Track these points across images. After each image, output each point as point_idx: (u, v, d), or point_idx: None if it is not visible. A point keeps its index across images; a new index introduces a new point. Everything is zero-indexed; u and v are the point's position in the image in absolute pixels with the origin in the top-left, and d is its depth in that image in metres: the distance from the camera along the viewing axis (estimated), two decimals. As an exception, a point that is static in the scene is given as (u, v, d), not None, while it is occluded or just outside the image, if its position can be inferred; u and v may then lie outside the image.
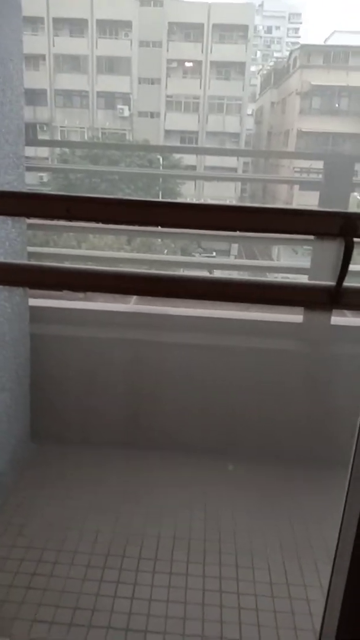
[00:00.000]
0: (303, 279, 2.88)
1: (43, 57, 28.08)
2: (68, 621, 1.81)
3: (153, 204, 1.12)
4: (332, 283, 1.10)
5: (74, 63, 28.78)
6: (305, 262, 2.78)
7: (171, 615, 1.86)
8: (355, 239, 1.07)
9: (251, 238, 3.44)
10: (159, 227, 2.99)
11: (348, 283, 1.10)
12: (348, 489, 1.22)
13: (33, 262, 2.52)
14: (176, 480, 2.53)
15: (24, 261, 2.36)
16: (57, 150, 20.77)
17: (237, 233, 2.92)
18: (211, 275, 1.18)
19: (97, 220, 1.17)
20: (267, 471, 2.58)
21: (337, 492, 1.23)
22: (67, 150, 19.92)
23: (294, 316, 2.73)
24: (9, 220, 2.12)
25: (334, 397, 2.49)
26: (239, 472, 2.59)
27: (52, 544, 2.13)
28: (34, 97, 27.45)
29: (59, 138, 28.82)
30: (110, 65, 28.81)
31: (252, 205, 1.02)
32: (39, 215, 1.10)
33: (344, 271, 1.07)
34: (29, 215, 1.30)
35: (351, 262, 1.09)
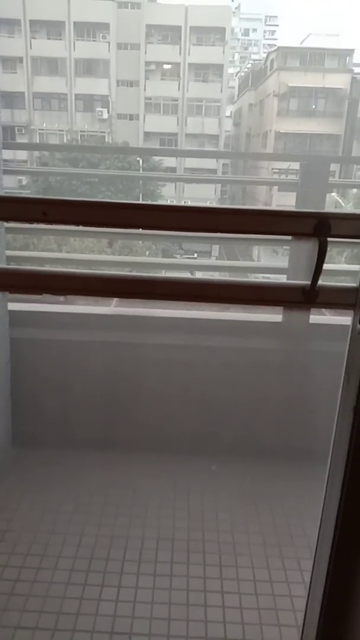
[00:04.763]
0: (282, 279, 2.91)
1: (20, 59, 27.84)
2: (52, 626, 1.80)
3: (131, 206, 1.12)
4: (307, 282, 1.12)
5: (52, 65, 28.58)
6: (285, 262, 2.81)
7: (156, 616, 1.87)
8: (329, 239, 1.09)
9: (232, 239, 3.46)
10: (140, 230, 2.99)
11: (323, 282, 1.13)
12: (327, 484, 1.24)
13: (12, 266, 2.50)
14: (158, 481, 2.54)
15: (3, 265, 2.34)
16: (36, 153, 20.60)
17: (218, 234, 2.95)
18: (190, 277, 1.20)
19: (75, 223, 1.17)
20: (249, 468, 2.60)
21: (317, 487, 1.26)
22: (46, 152, 19.79)
23: (273, 315, 2.76)
24: (-14, 224, 2.10)
25: (313, 393, 2.52)
26: (221, 471, 2.60)
27: (35, 549, 2.11)
28: (12, 100, 27.19)
29: (37, 141, 28.56)
30: (89, 67, 28.69)
31: (230, 207, 1.03)
32: (15, 219, 1.10)
33: (318, 270, 1.09)
34: (4, 219, 1.30)
35: (326, 261, 1.11)
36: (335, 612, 1.28)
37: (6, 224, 2.39)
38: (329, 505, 1.23)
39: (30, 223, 1.14)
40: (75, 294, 2.40)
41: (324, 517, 1.26)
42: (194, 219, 1.10)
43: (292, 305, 1.20)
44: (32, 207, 1.08)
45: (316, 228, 1.09)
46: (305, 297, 1.12)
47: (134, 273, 1.24)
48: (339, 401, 1.19)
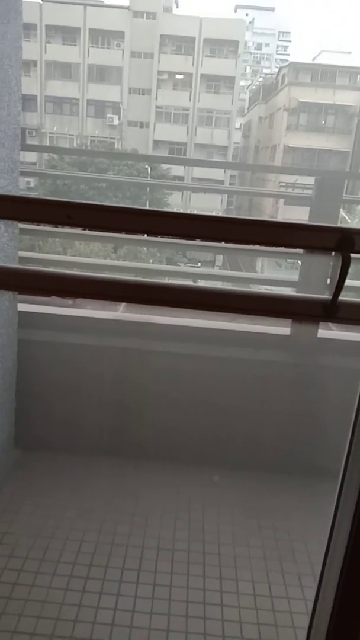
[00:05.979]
0: (289, 291, 2.91)
1: (35, 63, 28.12)
2: (49, 632, 1.78)
3: (155, 214, 1.13)
4: (328, 296, 1.11)
5: (65, 70, 28.87)
6: (289, 274, 2.81)
7: (154, 627, 1.84)
8: (352, 255, 1.09)
9: (237, 250, 3.46)
10: (145, 236, 2.99)
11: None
12: (338, 500, 1.22)
13: (24, 267, 2.50)
14: (161, 490, 2.52)
15: (13, 265, 2.34)
16: (46, 156, 20.73)
17: (223, 244, 2.94)
18: (206, 285, 1.19)
19: (97, 228, 1.18)
20: (253, 481, 2.58)
21: (321, 502, 1.24)
22: (55, 156, 19.92)
23: (281, 328, 2.75)
24: (1, 225, 2.10)
25: (321, 407, 2.51)
26: (224, 483, 2.58)
27: (35, 552, 2.09)
28: (24, 102, 27.29)
29: (47, 144, 28.79)
30: (102, 74, 28.96)
31: (251, 219, 1.03)
32: (39, 220, 1.10)
33: (340, 285, 1.09)
34: (29, 220, 1.30)
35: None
36: (342, 633, 1.26)
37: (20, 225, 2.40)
38: (339, 526, 1.21)
39: (54, 226, 1.14)
40: (83, 297, 2.39)
41: (334, 538, 1.24)
42: (220, 228, 1.09)
43: (312, 320, 1.20)
44: (57, 210, 1.08)
45: (340, 242, 1.09)
46: (325, 311, 1.12)
47: (146, 279, 1.24)
48: (353, 417, 1.18)
